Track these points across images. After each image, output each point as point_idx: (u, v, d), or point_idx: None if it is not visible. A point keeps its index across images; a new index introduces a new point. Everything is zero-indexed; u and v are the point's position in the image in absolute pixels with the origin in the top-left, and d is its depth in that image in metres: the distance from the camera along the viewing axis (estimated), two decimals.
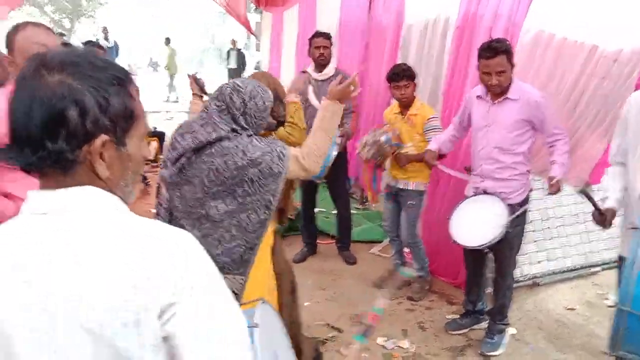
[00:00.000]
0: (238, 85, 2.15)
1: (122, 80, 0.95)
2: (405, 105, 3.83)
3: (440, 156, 3.54)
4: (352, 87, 2.27)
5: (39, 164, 0.90)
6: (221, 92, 2.14)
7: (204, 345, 0.91)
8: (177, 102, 15.55)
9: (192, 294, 0.90)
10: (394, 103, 4.02)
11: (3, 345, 0.89)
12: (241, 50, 16.58)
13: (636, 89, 2.76)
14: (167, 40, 16.29)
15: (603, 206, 2.46)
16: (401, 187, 3.92)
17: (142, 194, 6.32)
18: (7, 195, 2.16)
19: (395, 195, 4.02)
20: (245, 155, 2.06)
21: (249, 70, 17.48)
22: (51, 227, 0.90)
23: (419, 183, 3.87)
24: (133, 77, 1.00)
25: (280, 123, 2.65)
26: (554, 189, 2.94)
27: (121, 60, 16.30)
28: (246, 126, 2.13)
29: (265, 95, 2.19)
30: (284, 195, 2.61)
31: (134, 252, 0.89)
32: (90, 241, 0.89)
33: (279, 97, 2.74)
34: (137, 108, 0.98)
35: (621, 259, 2.53)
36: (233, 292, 2.11)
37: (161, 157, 7.84)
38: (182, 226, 2.11)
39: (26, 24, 2.25)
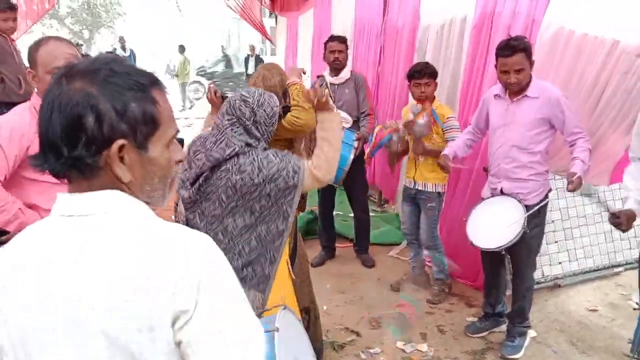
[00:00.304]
0: (245, 96, 2.17)
1: (144, 85, 0.95)
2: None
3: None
4: (320, 94, 2.34)
5: (61, 168, 0.92)
6: (230, 106, 2.16)
7: (216, 351, 0.91)
8: (191, 108, 15.62)
9: (207, 300, 0.90)
10: (412, 101, 3.98)
11: (17, 345, 0.91)
12: (260, 56, 16.56)
13: None
14: (181, 48, 16.25)
15: (622, 207, 2.42)
16: (420, 188, 3.89)
17: None
18: (32, 207, 2.20)
19: (414, 198, 3.99)
20: (261, 172, 2.08)
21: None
22: (74, 229, 0.92)
23: (438, 184, 3.84)
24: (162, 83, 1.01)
25: (286, 110, 2.71)
26: (574, 185, 2.86)
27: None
28: (259, 135, 2.16)
29: (271, 101, 2.22)
30: None
31: (149, 255, 0.90)
32: (105, 243, 0.91)
33: (285, 86, 2.88)
34: (160, 112, 0.97)
35: None
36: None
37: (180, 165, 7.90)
38: None
39: (48, 38, 2.29)
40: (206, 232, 2.14)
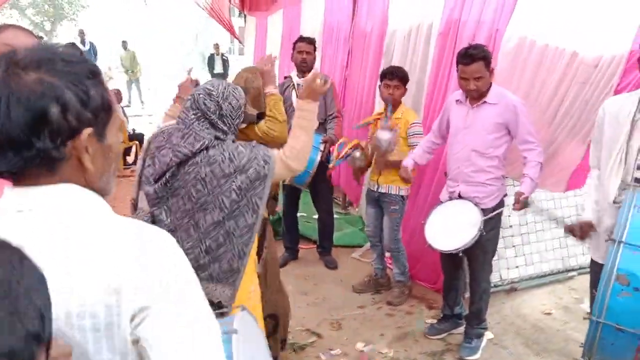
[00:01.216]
0: (209, 89, 2.14)
1: (96, 73, 0.94)
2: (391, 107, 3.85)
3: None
4: (322, 82, 2.26)
5: (25, 165, 0.87)
6: (195, 100, 2.13)
7: (174, 349, 0.89)
8: (143, 107, 15.31)
9: (165, 297, 0.89)
10: (380, 107, 4.03)
11: None
12: (224, 55, 16.33)
13: (615, 95, 2.82)
14: (124, 44, 15.85)
15: (580, 218, 2.51)
16: (383, 191, 3.93)
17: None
18: None
19: (377, 200, 4.03)
20: (232, 163, 2.06)
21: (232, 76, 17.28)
22: (25, 225, 0.88)
23: (401, 188, 3.89)
24: (110, 79, 1.00)
25: (260, 117, 2.71)
26: (520, 206, 3.00)
27: (99, 63, 16.13)
28: (226, 128, 2.14)
29: (236, 93, 2.19)
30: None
31: (107, 252, 0.87)
32: (62, 240, 0.87)
33: (260, 90, 2.84)
34: (112, 100, 0.97)
35: (594, 263, 2.57)
36: (220, 303, 2.11)
37: (139, 160, 7.88)
38: None
39: (7, 26, 2.20)
40: (174, 228, 2.12)
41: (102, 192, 0.99)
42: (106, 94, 0.95)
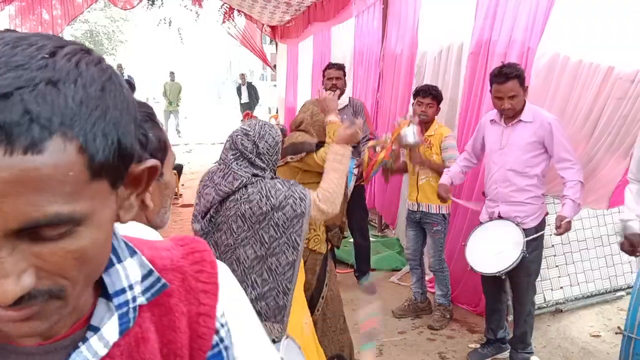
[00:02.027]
0: (246, 130, 2.23)
1: (152, 114, 1.00)
2: (424, 124, 3.85)
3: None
4: (358, 131, 2.38)
5: None
6: (233, 141, 2.22)
7: None
8: (180, 136, 15.53)
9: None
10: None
11: None
12: (252, 84, 16.36)
13: None
14: (172, 75, 16.03)
15: (627, 232, 2.42)
16: (424, 210, 3.90)
17: None
18: None
19: (419, 222, 3.99)
20: (269, 201, 2.12)
21: (264, 104, 17.40)
22: None
23: (442, 206, 3.85)
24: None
25: (321, 144, 2.69)
26: (562, 230, 2.93)
27: (137, 95, 16.50)
28: (264, 165, 2.21)
29: (272, 131, 2.26)
30: (340, 212, 2.68)
31: None
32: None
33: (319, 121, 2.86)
34: (167, 139, 1.02)
35: None
36: (274, 340, 2.13)
37: (182, 188, 8.10)
38: None
39: None
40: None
41: (159, 226, 1.04)
42: (162, 134, 1.00)
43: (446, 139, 3.80)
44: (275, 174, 2.28)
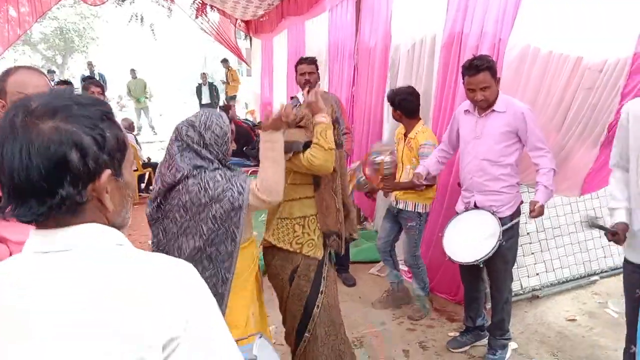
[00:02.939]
0: (191, 121, 2.24)
1: (109, 113, 0.97)
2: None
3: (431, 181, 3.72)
4: (282, 113, 2.29)
5: (49, 212, 0.89)
6: (179, 133, 2.23)
7: None
8: (155, 133, 15.27)
9: (192, 327, 0.90)
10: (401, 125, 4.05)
11: None
12: (213, 84, 15.44)
13: (622, 98, 2.80)
14: (133, 72, 15.62)
15: (613, 221, 2.45)
16: (401, 207, 3.94)
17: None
18: (1, 240, 2.15)
19: (396, 216, 4.03)
20: (207, 193, 2.15)
21: (241, 100, 17.12)
22: (52, 266, 0.90)
23: (418, 204, 3.89)
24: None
25: (308, 145, 2.53)
26: (535, 214, 2.99)
27: (110, 93, 16.27)
28: (211, 156, 2.22)
29: (219, 121, 2.26)
30: (335, 217, 2.66)
31: (133, 287, 0.89)
32: (93, 276, 0.89)
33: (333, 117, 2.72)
34: (125, 138, 1.00)
35: (629, 264, 2.51)
36: None
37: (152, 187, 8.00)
38: None
39: (17, 68, 2.24)
40: (167, 250, 2.26)
41: (120, 226, 1.02)
42: (120, 133, 0.98)
43: (421, 147, 3.75)
44: (222, 164, 2.27)
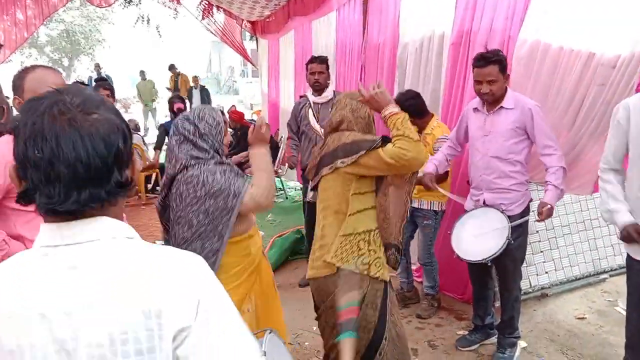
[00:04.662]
0: (186, 115, 2.36)
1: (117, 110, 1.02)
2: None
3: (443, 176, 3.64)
4: (263, 129, 2.42)
5: (108, 198, 0.92)
6: (176, 127, 2.34)
7: None
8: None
9: (203, 317, 0.92)
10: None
11: None
12: (205, 87, 14.98)
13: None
14: (142, 74, 15.71)
15: (620, 222, 2.44)
16: (415, 206, 3.92)
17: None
18: (17, 237, 2.16)
19: (411, 215, 4.01)
20: (204, 187, 2.20)
21: (246, 101, 17.05)
22: (64, 259, 0.91)
23: (434, 202, 3.87)
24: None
25: (385, 142, 2.32)
26: (543, 217, 2.98)
27: (117, 95, 16.33)
28: (207, 146, 2.28)
29: (212, 112, 2.36)
30: (399, 227, 2.55)
31: (144, 279, 0.91)
32: (102, 271, 0.90)
33: (370, 115, 2.58)
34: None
35: (635, 262, 2.49)
36: None
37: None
38: None
39: (35, 66, 2.31)
40: (169, 238, 2.36)
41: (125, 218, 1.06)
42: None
43: (437, 141, 3.75)
44: (222, 158, 2.33)
